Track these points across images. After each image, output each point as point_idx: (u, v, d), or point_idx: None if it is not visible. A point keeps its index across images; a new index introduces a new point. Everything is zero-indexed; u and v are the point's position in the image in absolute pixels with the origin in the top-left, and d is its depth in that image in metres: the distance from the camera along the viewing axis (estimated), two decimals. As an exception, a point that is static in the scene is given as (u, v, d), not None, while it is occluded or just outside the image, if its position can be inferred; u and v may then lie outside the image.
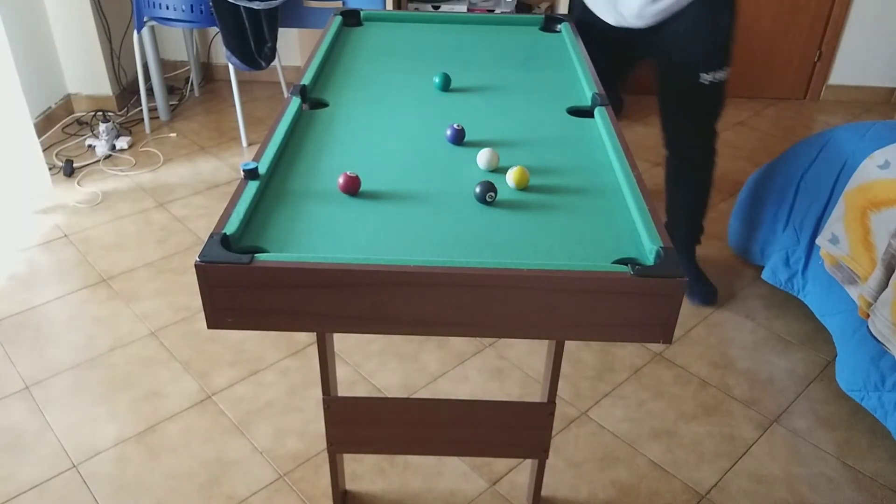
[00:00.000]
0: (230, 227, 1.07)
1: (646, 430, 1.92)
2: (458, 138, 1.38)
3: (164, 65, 3.58)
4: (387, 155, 1.34)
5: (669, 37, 2.06)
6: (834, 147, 2.16)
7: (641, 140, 3.43)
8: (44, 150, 3.01)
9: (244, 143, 3.32)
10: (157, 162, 3.17)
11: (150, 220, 2.76)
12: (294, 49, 3.83)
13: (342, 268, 1.00)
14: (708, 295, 2.39)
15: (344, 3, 3.12)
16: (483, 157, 1.30)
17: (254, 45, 3.09)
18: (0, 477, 1.74)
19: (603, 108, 1.48)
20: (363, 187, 1.23)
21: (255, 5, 2.94)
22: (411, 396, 2.00)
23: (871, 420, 1.96)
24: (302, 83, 1.53)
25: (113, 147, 3.22)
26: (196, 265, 1.00)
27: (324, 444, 1.83)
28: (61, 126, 3.37)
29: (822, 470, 1.83)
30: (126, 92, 3.61)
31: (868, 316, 1.83)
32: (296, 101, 1.46)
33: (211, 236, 1.04)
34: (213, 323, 1.04)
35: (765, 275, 2.37)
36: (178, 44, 3.81)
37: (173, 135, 3.40)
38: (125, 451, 1.82)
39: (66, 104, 3.46)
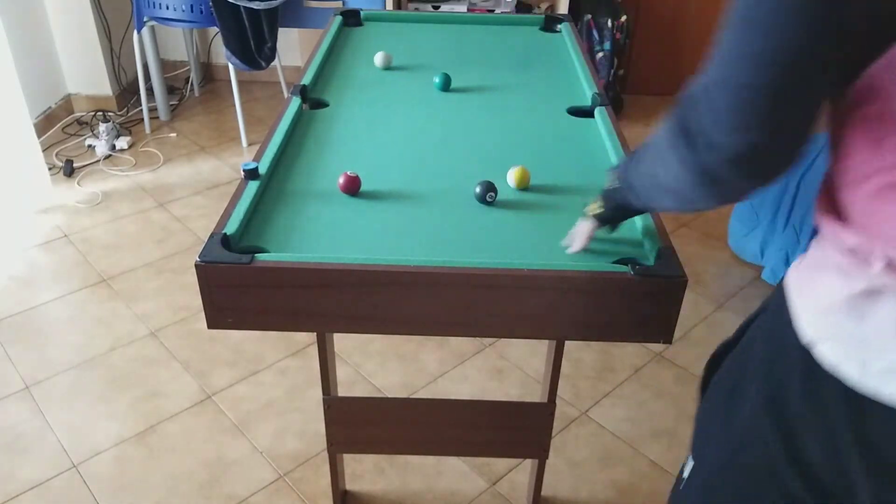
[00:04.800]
0: (230, 227, 1.07)
1: (646, 430, 1.92)
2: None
3: (164, 65, 3.58)
4: (387, 155, 1.34)
5: None
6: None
7: (641, 140, 3.43)
8: (44, 150, 3.01)
9: (244, 143, 3.32)
10: (157, 162, 3.17)
11: (150, 220, 2.76)
12: (294, 49, 3.83)
13: (342, 268, 1.00)
14: None
15: (344, 3, 3.12)
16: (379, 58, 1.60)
17: (254, 45, 3.09)
18: (0, 477, 1.74)
19: (603, 107, 1.48)
20: (363, 187, 1.23)
21: (255, 5, 2.94)
22: (411, 396, 2.00)
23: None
24: (302, 83, 1.53)
25: (113, 147, 3.22)
26: (196, 265, 1.00)
27: (324, 444, 1.83)
28: (61, 126, 3.37)
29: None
30: (126, 92, 3.61)
31: None
32: (296, 101, 1.46)
33: (211, 236, 1.04)
34: (213, 323, 1.04)
35: (764, 275, 2.37)
36: (178, 44, 3.81)
37: (173, 135, 3.40)
38: (125, 451, 1.82)
39: (66, 104, 3.46)
